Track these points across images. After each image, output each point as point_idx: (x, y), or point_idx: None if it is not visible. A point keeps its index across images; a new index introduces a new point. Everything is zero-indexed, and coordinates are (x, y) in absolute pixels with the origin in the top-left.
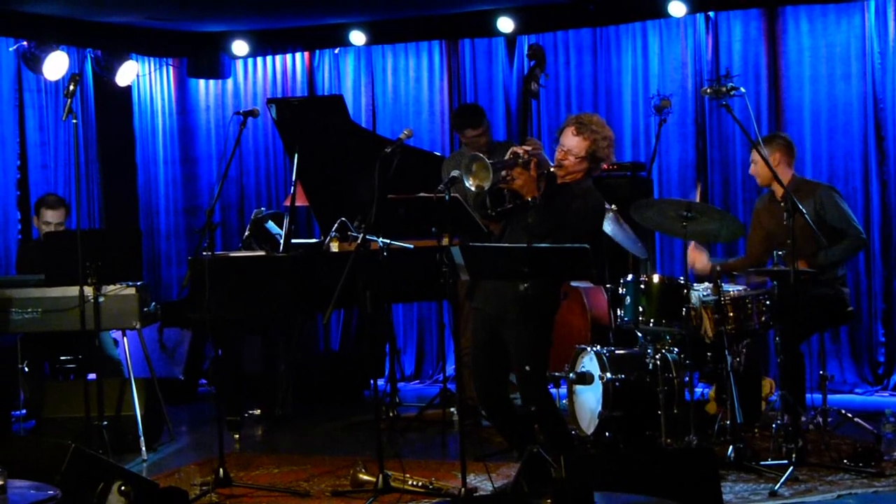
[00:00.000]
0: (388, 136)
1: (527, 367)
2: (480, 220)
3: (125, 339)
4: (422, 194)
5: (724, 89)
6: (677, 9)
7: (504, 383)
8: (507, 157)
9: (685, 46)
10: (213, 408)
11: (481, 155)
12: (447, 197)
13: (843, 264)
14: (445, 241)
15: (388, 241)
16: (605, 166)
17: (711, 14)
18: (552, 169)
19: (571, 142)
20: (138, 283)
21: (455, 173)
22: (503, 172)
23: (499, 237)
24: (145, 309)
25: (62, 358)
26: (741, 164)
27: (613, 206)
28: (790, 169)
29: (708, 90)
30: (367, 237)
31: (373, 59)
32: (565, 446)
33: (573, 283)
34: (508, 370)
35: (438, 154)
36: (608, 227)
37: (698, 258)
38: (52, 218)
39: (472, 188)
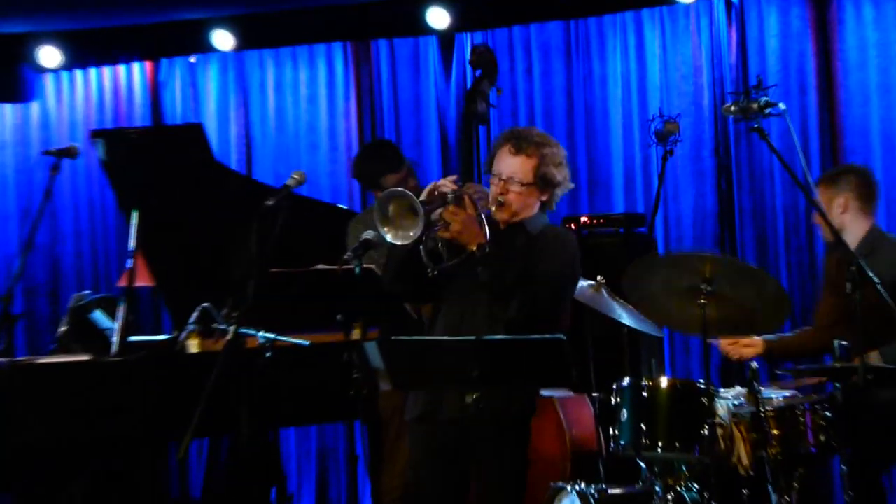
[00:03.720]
0: (269, 182)
1: None
2: (408, 302)
3: None
4: (321, 266)
5: (755, 106)
6: None
7: None
8: (426, 195)
9: (698, 44)
10: None
11: (401, 189)
12: (357, 269)
13: None
14: (356, 334)
15: (272, 335)
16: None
17: None
18: (492, 211)
19: (510, 165)
20: None
21: (368, 235)
22: (435, 214)
23: (431, 322)
24: None
25: None
26: (783, 211)
27: (599, 278)
28: (868, 218)
29: (732, 107)
30: (242, 331)
31: (246, 70)
32: None
33: (544, 392)
34: None
35: (344, 207)
36: (588, 300)
37: (744, 342)
38: None
39: (396, 241)
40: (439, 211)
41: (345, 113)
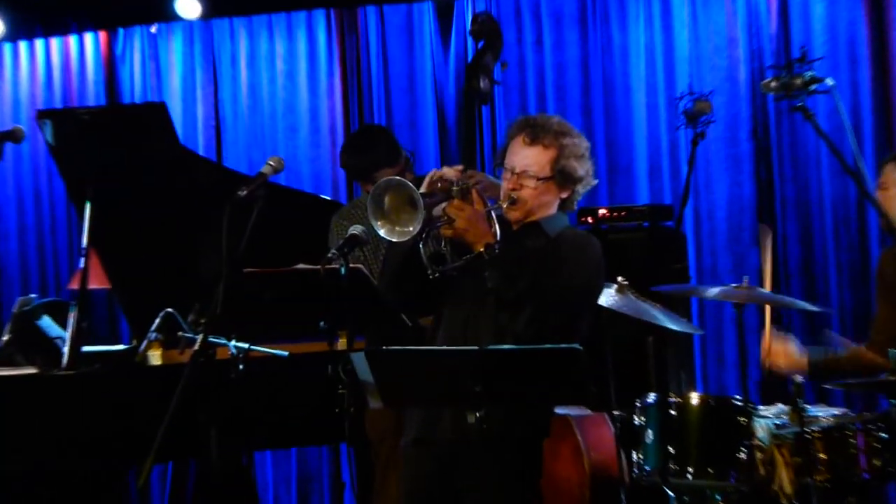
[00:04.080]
0: (242, 170)
1: None
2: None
3: None
4: (301, 266)
5: (798, 81)
6: None
7: None
8: (426, 187)
9: (733, 11)
10: None
11: (399, 179)
12: (343, 270)
13: None
14: (342, 344)
15: (245, 345)
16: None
17: None
18: (503, 209)
19: (525, 157)
20: None
21: (356, 230)
22: (437, 209)
23: (433, 332)
24: None
25: None
26: (831, 203)
27: (622, 279)
28: None
29: (773, 83)
30: (211, 339)
31: (215, 42)
32: None
33: (558, 411)
34: None
35: (328, 199)
36: (613, 304)
37: (782, 352)
38: None
39: (392, 237)
40: (442, 205)
41: (328, 91)
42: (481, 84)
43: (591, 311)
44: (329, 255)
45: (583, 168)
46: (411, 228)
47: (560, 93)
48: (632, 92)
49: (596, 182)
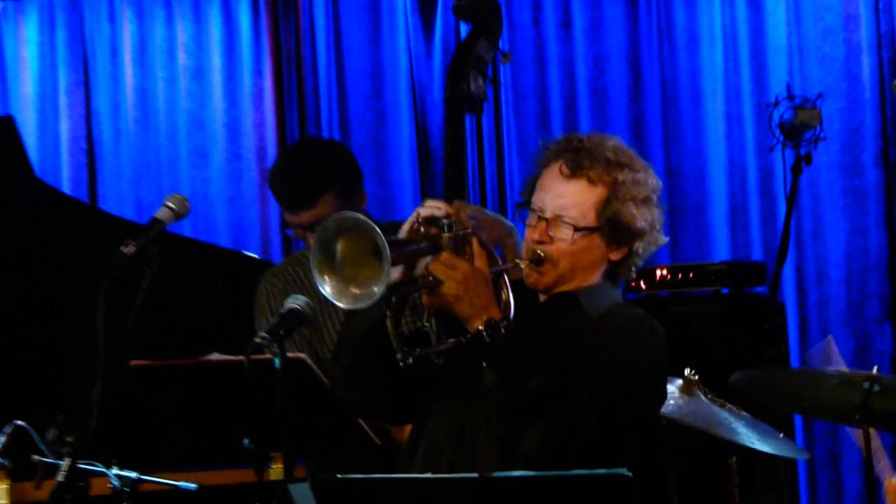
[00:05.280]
0: (127, 216)
1: None
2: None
3: None
4: (215, 356)
5: None
6: None
7: None
8: (406, 233)
9: None
10: None
11: (358, 215)
12: (277, 361)
13: None
14: (276, 472)
15: (133, 474)
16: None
17: None
18: (522, 267)
19: (561, 196)
20: None
21: (296, 303)
22: (419, 265)
23: (410, 450)
24: None
25: None
26: None
27: (690, 371)
28: None
29: None
30: (83, 466)
31: (86, 26)
32: None
33: None
34: None
35: (254, 256)
36: (677, 410)
37: None
38: None
39: (346, 303)
40: (426, 260)
41: (254, 98)
42: (472, 86)
43: (643, 428)
44: (257, 339)
45: (645, 218)
46: (375, 290)
47: (596, 99)
48: (703, 97)
49: (666, 241)
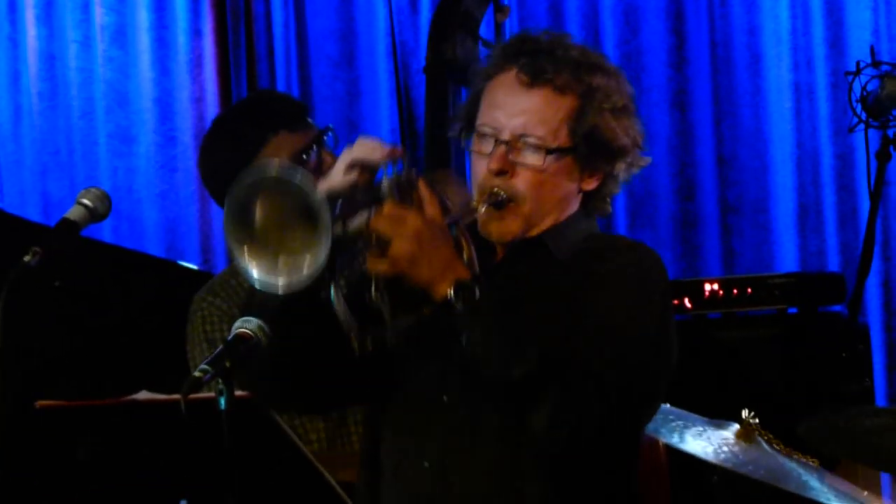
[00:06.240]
0: (30, 215)
1: None
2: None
3: None
4: (143, 395)
5: None
6: None
7: None
8: (335, 182)
9: None
10: None
11: (279, 162)
12: (223, 399)
13: None
14: None
15: None
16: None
17: None
18: (480, 213)
19: (523, 111)
20: None
21: (246, 326)
22: (354, 222)
23: (371, 467)
24: None
25: None
26: None
27: (748, 413)
28: None
29: None
30: None
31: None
32: None
33: None
34: None
35: (192, 267)
36: (732, 458)
37: None
38: None
39: (275, 280)
40: (363, 215)
41: (192, 65)
42: (458, 50)
43: (663, 368)
44: (196, 373)
45: (626, 131)
46: (307, 264)
47: (628, 64)
48: (764, 63)
49: (649, 161)
